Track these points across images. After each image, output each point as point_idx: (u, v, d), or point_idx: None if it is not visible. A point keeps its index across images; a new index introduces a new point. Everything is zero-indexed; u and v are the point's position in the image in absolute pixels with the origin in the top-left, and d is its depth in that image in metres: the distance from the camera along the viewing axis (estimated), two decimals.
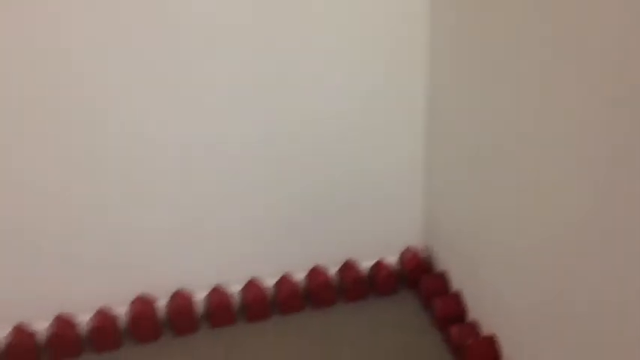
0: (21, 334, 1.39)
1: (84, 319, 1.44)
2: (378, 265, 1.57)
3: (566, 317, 1.10)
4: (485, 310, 1.38)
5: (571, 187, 1.03)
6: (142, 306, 1.46)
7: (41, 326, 1.42)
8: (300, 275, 1.55)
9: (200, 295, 1.50)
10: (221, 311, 1.49)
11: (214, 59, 1.32)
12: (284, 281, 1.53)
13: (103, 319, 1.44)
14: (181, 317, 1.47)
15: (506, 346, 1.30)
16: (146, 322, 1.45)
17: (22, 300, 1.41)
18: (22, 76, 1.24)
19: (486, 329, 1.36)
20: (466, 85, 1.33)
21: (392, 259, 1.60)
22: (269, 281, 1.54)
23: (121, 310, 1.46)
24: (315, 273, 1.54)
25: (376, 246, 1.58)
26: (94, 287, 1.45)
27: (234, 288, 1.52)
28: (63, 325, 1.42)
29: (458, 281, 1.49)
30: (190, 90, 1.34)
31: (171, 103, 1.34)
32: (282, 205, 1.50)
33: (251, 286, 1.52)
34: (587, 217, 1.00)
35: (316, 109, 1.42)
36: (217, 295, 1.50)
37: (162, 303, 1.48)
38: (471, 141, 1.34)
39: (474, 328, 1.38)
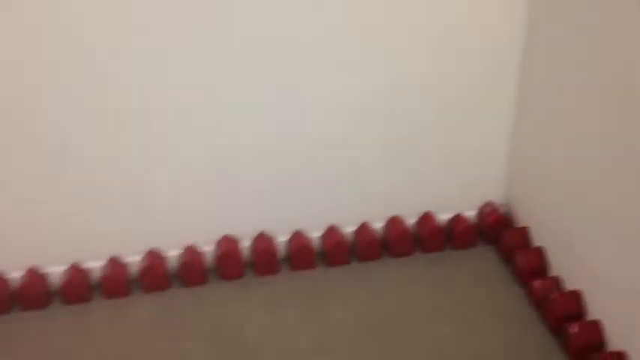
0: (115, 266, 1.49)
1: (173, 254, 1.53)
2: (456, 218, 1.58)
3: None
4: (570, 267, 1.38)
5: None
6: (228, 245, 1.53)
7: (134, 260, 1.51)
8: (378, 225, 1.59)
9: (282, 239, 1.56)
10: (302, 255, 1.54)
11: None
12: (363, 229, 1.57)
13: (191, 256, 1.51)
14: (264, 258, 1.53)
15: (590, 302, 1.31)
16: (231, 260, 1.52)
17: (116, 235, 1.50)
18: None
19: (570, 285, 1.37)
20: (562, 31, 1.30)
21: (470, 213, 1.61)
22: (348, 229, 1.58)
23: (208, 249, 1.54)
24: (393, 223, 1.57)
25: (455, 199, 1.59)
26: (182, 226, 1.52)
27: (315, 234, 1.57)
28: (154, 259, 1.50)
29: (540, 237, 1.48)
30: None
31: None
32: (365, 154, 1.52)
33: (331, 232, 1.56)
34: None
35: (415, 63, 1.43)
36: (298, 239, 1.55)
37: (246, 244, 1.55)
38: (562, 91, 1.32)
39: (557, 282, 1.39)
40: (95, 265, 1.48)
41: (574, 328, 1.27)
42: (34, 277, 1.45)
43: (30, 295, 1.44)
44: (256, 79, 1.38)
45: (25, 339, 1.39)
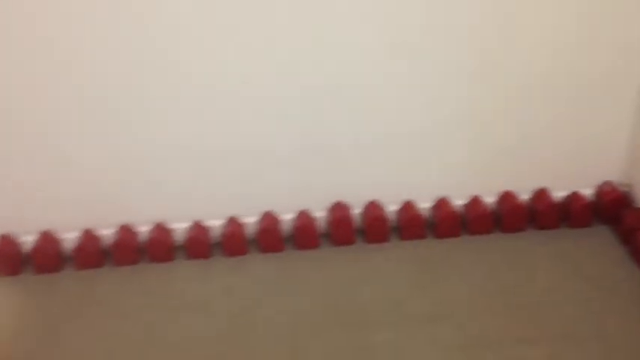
0: (235, 225, 1.56)
1: (287, 218, 1.59)
2: (573, 196, 1.55)
3: None
4: None
5: None
6: (340, 212, 1.57)
7: (251, 221, 1.57)
8: (490, 199, 1.59)
9: (392, 208, 1.59)
10: (412, 225, 1.56)
11: None
12: (474, 203, 1.57)
13: (304, 220, 1.57)
14: (375, 226, 1.56)
15: None
16: (343, 227, 1.56)
17: (236, 197, 1.58)
18: None
19: None
20: None
21: (587, 191, 1.58)
22: (459, 202, 1.59)
23: (320, 215, 1.58)
24: (506, 197, 1.57)
25: (572, 177, 1.57)
26: (296, 192, 1.58)
27: (425, 205, 1.59)
28: (270, 221, 1.57)
29: None
30: None
31: None
32: (481, 132, 1.53)
33: (442, 204, 1.57)
34: None
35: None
36: (408, 209, 1.57)
37: (357, 211, 1.59)
38: None
39: None
40: (215, 223, 1.57)
41: None
42: (161, 232, 1.55)
43: (156, 248, 1.54)
44: None
45: (153, 288, 1.49)
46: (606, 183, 1.56)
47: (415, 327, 1.34)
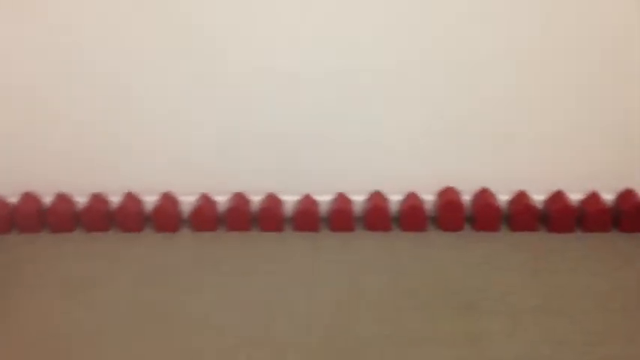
0: (344, 202, 1.58)
1: (395, 199, 1.59)
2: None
3: None
4: None
5: None
6: (450, 196, 1.56)
7: (359, 199, 1.60)
8: (609, 197, 1.54)
9: (503, 198, 1.57)
10: (523, 216, 1.52)
11: None
12: (592, 198, 1.52)
13: (413, 202, 1.57)
14: (484, 214, 1.54)
15: None
16: (453, 212, 1.54)
17: (343, 175, 1.61)
18: None
19: None
20: None
21: None
22: (575, 197, 1.54)
23: (429, 198, 1.59)
24: (627, 195, 1.51)
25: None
26: (404, 173, 1.59)
27: (539, 197, 1.55)
28: (378, 200, 1.58)
29: None
30: None
31: None
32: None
33: (557, 197, 1.53)
34: None
35: None
36: (520, 199, 1.54)
37: (467, 198, 1.57)
38: None
39: None
40: (324, 198, 1.61)
41: None
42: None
43: (267, 218, 1.59)
44: None
45: (264, 258, 1.53)
46: None
47: (526, 318, 1.33)
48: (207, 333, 1.29)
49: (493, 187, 1.56)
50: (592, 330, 1.27)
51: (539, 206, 1.55)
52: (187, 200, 1.61)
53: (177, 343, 1.27)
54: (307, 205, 1.59)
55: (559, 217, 1.52)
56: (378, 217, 1.56)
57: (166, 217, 1.59)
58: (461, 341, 1.25)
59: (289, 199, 1.61)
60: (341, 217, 1.57)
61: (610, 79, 1.46)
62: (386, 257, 1.50)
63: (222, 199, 1.61)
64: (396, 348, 1.24)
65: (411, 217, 1.56)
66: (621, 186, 1.53)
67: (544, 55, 1.45)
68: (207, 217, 1.59)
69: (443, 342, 1.25)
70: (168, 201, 1.60)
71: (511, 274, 1.43)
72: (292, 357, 1.23)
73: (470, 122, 1.52)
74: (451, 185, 1.57)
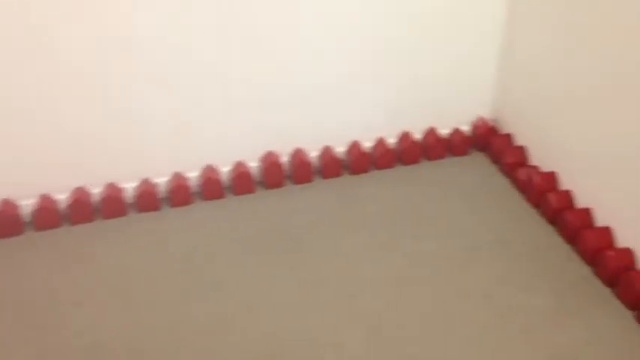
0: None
1: (225, 170, 1.86)
2: (455, 132, 1.95)
3: (609, 155, 1.48)
4: (546, 157, 1.78)
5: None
6: (271, 159, 1.86)
7: (194, 175, 1.82)
8: (391, 140, 1.95)
9: (314, 155, 1.91)
10: (330, 166, 1.90)
11: None
12: (379, 144, 1.92)
13: (241, 170, 1.84)
14: (300, 170, 1.87)
15: (564, 178, 1.71)
16: (274, 171, 1.86)
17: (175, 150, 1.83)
18: None
19: (545, 169, 1.77)
20: None
21: (466, 127, 1.99)
22: (367, 145, 1.94)
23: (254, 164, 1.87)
24: (403, 137, 1.93)
25: (453, 117, 1.98)
26: (230, 145, 1.85)
27: (340, 149, 1.93)
28: (211, 173, 1.82)
29: (522, 138, 1.88)
30: None
31: None
32: (382, 85, 1.88)
33: (354, 147, 1.91)
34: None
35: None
36: (328, 154, 1.89)
37: (286, 159, 1.89)
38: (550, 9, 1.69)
39: (536, 169, 1.78)
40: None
41: (551, 197, 1.67)
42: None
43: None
44: None
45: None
46: (479, 118, 1.98)
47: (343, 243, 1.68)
48: None
49: (305, 146, 1.91)
50: (388, 240, 1.67)
51: (342, 156, 1.93)
52: None
53: None
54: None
55: (356, 163, 1.91)
56: (211, 187, 1.82)
57: None
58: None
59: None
60: (180, 192, 1.81)
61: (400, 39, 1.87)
62: (224, 216, 1.77)
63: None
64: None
65: (240, 182, 1.84)
66: (400, 130, 1.96)
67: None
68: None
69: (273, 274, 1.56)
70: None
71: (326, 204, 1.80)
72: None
73: (275, 94, 1.82)
74: (271, 150, 1.89)
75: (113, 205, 1.75)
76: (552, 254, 1.61)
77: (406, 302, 1.48)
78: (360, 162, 1.92)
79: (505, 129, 1.97)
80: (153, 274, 1.57)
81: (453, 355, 1.35)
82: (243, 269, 1.58)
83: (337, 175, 1.91)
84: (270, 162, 1.85)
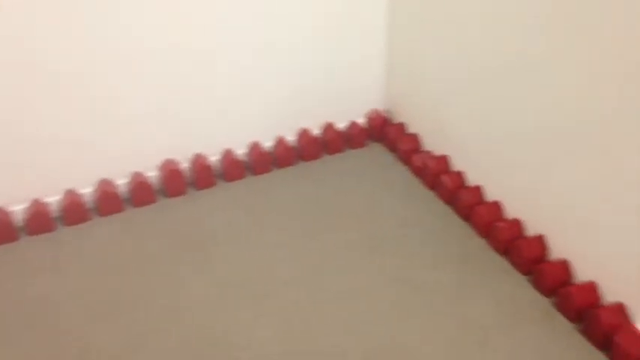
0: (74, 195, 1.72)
1: (123, 182, 1.79)
2: (352, 125, 2.00)
3: (493, 135, 1.61)
4: (438, 142, 1.88)
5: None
6: (170, 167, 1.81)
7: (89, 192, 1.75)
8: (291, 138, 1.97)
9: (215, 159, 1.88)
10: (232, 168, 1.88)
11: None
12: (279, 143, 1.94)
13: (140, 180, 1.78)
14: (201, 175, 1.84)
15: (455, 160, 1.82)
16: (174, 179, 1.81)
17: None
18: None
19: (438, 153, 1.87)
20: None
21: (362, 120, 2.05)
22: (268, 144, 1.95)
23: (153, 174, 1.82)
24: (303, 134, 1.96)
25: (350, 111, 2.03)
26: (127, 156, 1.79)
27: (241, 151, 1.92)
28: (107, 186, 1.75)
29: (415, 126, 1.97)
30: None
31: None
32: (278, 84, 1.90)
33: (255, 147, 1.91)
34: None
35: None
36: (228, 157, 1.88)
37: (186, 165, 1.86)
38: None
39: (429, 154, 1.87)
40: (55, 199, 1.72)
41: (445, 179, 1.77)
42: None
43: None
44: None
45: None
46: (373, 111, 2.05)
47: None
48: None
49: (205, 150, 1.88)
50: (301, 229, 1.68)
51: (244, 158, 1.92)
52: None
53: None
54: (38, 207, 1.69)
55: (258, 162, 1.91)
56: (108, 201, 1.74)
57: None
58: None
59: None
60: (75, 210, 1.71)
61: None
62: (126, 230, 1.70)
63: None
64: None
65: (140, 192, 1.78)
66: (299, 126, 1.99)
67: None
68: None
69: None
70: None
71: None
72: None
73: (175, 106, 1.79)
74: (169, 157, 1.84)
75: (1, 229, 1.64)
76: (451, 232, 1.70)
77: (318, 293, 1.50)
78: (262, 162, 1.93)
79: (398, 119, 2.06)
80: (51, 299, 1.48)
81: (366, 332, 1.39)
82: (152, 282, 1.53)
83: (240, 177, 1.91)
84: (169, 170, 1.81)
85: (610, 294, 1.38)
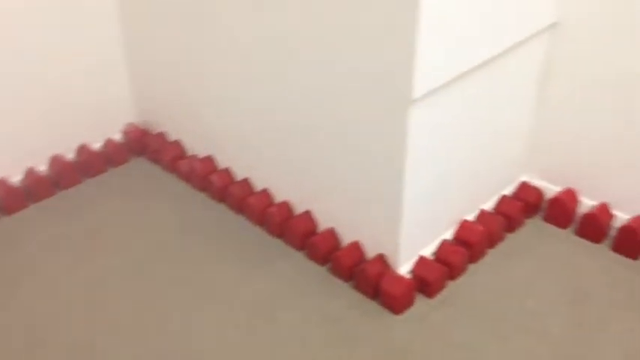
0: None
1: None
2: (107, 142, 1.93)
3: (250, 130, 1.67)
4: (201, 145, 1.90)
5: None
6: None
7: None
8: (43, 167, 1.83)
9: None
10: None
11: None
12: (29, 175, 1.78)
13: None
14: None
15: (220, 159, 1.86)
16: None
17: None
18: None
19: (203, 154, 1.90)
20: None
21: (117, 136, 1.98)
22: (17, 178, 1.77)
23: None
24: (54, 160, 1.83)
25: (104, 128, 1.95)
26: None
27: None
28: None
29: (175, 134, 1.97)
30: None
31: None
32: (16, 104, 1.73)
33: (1, 184, 1.71)
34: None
35: None
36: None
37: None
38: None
39: (194, 157, 1.91)
40: None
41: (214, 177, 1.80)
42: None
43: None
44: None
45: None
46: (129, 124, 2.00)
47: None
48: None
49: None
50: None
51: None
52: None
53: None
54: None
55: (7, 199, 1.72)
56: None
57: None
58: None
59: None
60: None
61: None
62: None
63: None
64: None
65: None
66: (52, 153, 1.83)
67: None
68: None
69: None
70: None
71: None
72: None
73: None
74: None
75: None
76: (228, 226, 1.74)
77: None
78: (13, 199, 1.74)
79: (157, 129, 2.03)
80: None
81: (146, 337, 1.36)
82: None
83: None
84: None
85: (371, 249, 1.55)
